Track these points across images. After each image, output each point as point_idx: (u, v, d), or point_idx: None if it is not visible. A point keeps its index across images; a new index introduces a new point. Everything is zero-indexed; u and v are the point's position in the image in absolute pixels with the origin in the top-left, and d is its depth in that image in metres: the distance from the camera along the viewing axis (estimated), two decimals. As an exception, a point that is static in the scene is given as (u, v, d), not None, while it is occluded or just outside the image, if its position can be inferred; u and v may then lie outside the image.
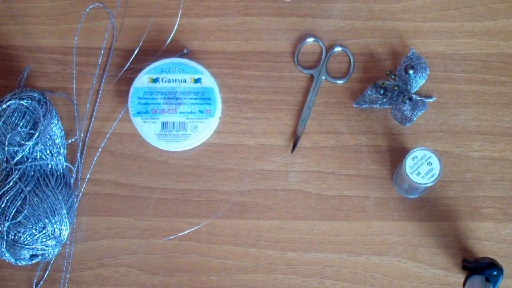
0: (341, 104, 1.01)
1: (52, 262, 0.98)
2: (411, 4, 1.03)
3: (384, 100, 0.99)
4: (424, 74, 0.98)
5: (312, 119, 1.01)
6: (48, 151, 0.96)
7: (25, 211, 0.92)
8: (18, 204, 0.92)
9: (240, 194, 1.00)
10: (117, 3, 1.04)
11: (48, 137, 0.96)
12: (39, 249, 0.93)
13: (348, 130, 1.00)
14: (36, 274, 0.98)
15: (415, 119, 0.96)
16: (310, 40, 1.02)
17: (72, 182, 0.99)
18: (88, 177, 1.00)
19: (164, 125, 0.98)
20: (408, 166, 0.91)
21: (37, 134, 0.95)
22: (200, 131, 0.98)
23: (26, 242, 0.92)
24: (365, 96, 1.00)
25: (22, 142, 0.94)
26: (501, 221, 0.98)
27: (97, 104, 1.02)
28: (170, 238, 0.99)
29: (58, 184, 0.95)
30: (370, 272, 0.98)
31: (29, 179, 0.94)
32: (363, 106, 1.00)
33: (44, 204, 0.93)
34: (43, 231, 0.92)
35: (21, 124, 0.94)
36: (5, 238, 0.92)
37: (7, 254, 0.93)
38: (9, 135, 0.94)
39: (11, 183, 0.93)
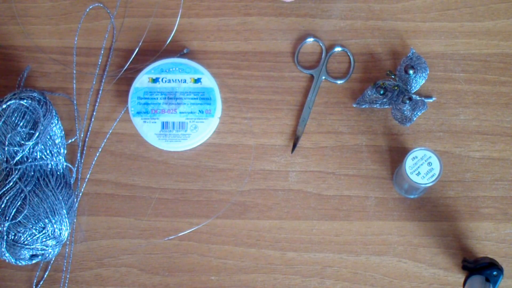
0: (341, 104, 1.01)
1: (52, 262, 0.98)
2: (411, 4, 1.03)
3: (384, 100, 0.99)
4: (424, 74, 0.98)
5: (312, 119, 1.01)
6: (48, 151, 0.96)
7: (25, 211, 0.92)
8: (18, 204, 0.92)
9: (240, 194, 1.00)
10: (117, 3, 1.04)
11: (48, 137, 0.96)
12: (39, 249, 0.93)
13: (348, 130, 1.00)
14: (36, 274, 0.98)
15: (415, 119, 0.96)
16: (310, 40, 1.02)
17: (72, 182, 0.99)
18: (88, 177, 1.00)
19: (164, 125, 0.98)
20: (408, 166, 0.91)
21: (37, 134, 0.95)
22: (200, 131, 0.98)
23: (26, 242, 0.92)
24: (365, 96, 1.00)
25: (22, 142, 0.94)
26: (501, 221, 0.98)
27: (97, 104, 1.02)
28: (170, 238, 0.99)
29: (58, 184, 0.95)
30: (370, 272, 0.98)
31: (29, 179, 0.94)
32: (363, 106, 1.00)
33: (44, 204, 0.93)
34: (43, 231, 0.92)
35: (21, 124, 0.94)
36: (5, 238, 0.92)
37: (7, 254, 0.93)
38: (9, 135, 0.94)
39: (11, 183, 0.93)
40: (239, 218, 0.99)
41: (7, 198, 0.92)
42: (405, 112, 0.97)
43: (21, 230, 0.92)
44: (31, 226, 0.92)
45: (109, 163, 1.00)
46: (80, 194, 1.00)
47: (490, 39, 1.02)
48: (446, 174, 0.99)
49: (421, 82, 0.98)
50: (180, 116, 0.98)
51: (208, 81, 0.99)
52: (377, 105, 1.00)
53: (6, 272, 0.98)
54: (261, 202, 0.99)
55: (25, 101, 0.95)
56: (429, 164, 0.91)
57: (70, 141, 1.01)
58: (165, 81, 0.98)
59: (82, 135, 1.01)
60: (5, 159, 0.94)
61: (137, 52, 1.03)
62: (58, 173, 0.97)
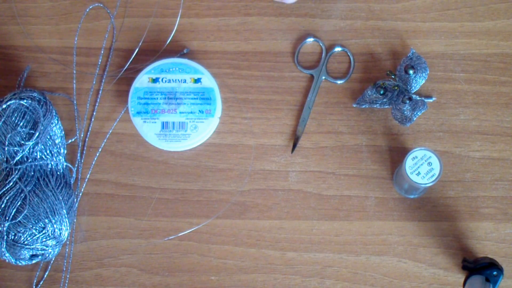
0: (341, 104, 1.01)
1: (52, 262, 0.98)
2: (411, 4, 1.03)
3: (384, 100, 0.99)
4: (424, 74, 0.98)
5: (312, 119, 1.01)
6: (48, 151, 0.96)
7: (25, 211, 0.92)
8: (18, 204, 0.92)
9: (240, 194, 1.00)
10: (117, 3, 1.04)
11: (48, 137, 0.96)
12: (39, 249, 0.93)
13: (348, 130, 1.00)
14: (36, 274, 0.98)
15: (415, 119, 0.96)
16: (310, 40, 1.02)
17: (72, 182, 0.99)
18: (88, 177, 1.00)
19: (164, 125, 0.98)
20: (408, 166, 0.91)
21: (37, 134, 0.95)
22: (200, 131, 0.98)
23: (26, 242, 0.92)
24: (365, 96, 1.00)
25: (22, 142, 0.94)
26: (501, 221, 0.98)
27: (97, 104, 1.02)
28: (170, 238, 0.99)
29: (58, 184, 0.95)
30: (370, 272, 0.98)
31: (29, 179, 0.94)
32: (363, 106, 1.00)
33: (44, 204, 0.93)
34: (43, 231, 0.92)
35: (21, 124, 0.94)
36: (5, 238, 0.92)
37: (7, 254, 0.93)
38: (9, 135, 0.94)
39: (11, 183, 0.93)
40: (239, 218, 0.99)
41: (7, 198, 0.92)
42: (405, 112, 0.97)
43: (21, 230, 0.92)
44: (31, 226, 0.92)
45: (109, 163, 1.00)
46: (80, 194, 1.00)
47: (490, 39, 1.02)
48: (446, 174, 0.99)
49: (421, 82, 0.98)
50: (180, 116, 0.98)
51: (208, 81, 0.99)
52: (377, 105, 1.00)
53: (6, 272, 0.98)
54: (261, 202, 0.99)
55: (25, 101, 0.95)
56: (429, 164, 0.91)
57: (70, 141, 1.01)
58: (165, 81, 0.98)
59: (82, 135, 1.01)
60: (5, 159, 0.94)
61: (137, 52, 1.03)
62: (58, 173, 0.97)
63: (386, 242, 0.98)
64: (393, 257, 0.98)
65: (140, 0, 1.04)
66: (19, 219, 0.92)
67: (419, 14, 1.03)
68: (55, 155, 0.97)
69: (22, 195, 0.93)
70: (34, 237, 0.92)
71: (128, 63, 1.02)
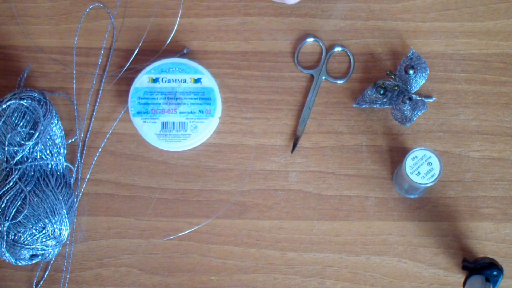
0: (341, 104, 1.01)
1: (52, 262, 0.98)
2: (411, 4, 1.03)
3: (384, 100, 0.99)
4: (424, 74, 0.98)
5: (312, 119, 1.01)
6: (48, 151, 0.96)
7: (25, 211, 0.92)
8: (18, 204, 0.92)
9: (240, 194, 1.00)
10: (117, 3, 1.04)
11: (48, 137, 0.96)
12: (39, 249, 0.93)
13: (348, 130, 1.00)
14: (36, 274, 0.98)
15: (415, 119, 0.96)
16: (310, 40, 1.02)
17: (72, 182, 0.99)
18: (88, 177, 1.00)
19: (164, 125, 0.98)
20: (408, 166, 0.91)
21: (37, 134, 0.94)
22: (200, 131, 0.98)
23: (26, 242, 0.92)
24: (365, 96, 1.00)
25: (22, 142, 0.94)
26: (501, 221, 0.98)
27: (97, 104, 1.02)
28: (170, 238, 0.99)
29: (58, 184, 0.95)
30: (370, 272, 0.98)
31: (29, 179, 0.94)
32: (363, 106, 1.00)
33: (44, 204, 0.93)
34: (43, 231, 0.92)
35: (21, 124, 0.94)
36: (5, 238, 0.92)
37: (7, 254, 0.93)
38: (9, 135, 0.94)
39: (11, 183, 0.93)
40: (239, 218, 0.99)
41: (7, 198, 0.92)
42: (405, 112, 0.97)
43: (21, 230, 0.92)
44: (31, 226, 0.92)
45: (109, 163, 1.00)
46: (80, 194, 1.00)
47: (490, 39, 1.02)
48: (446, 174, 0.99)
49: (421, 82, 0.98)
50: (180, 116, 0.98)
51: (208, 81, 0.99)
52: (377, 105, 1.00)
53: (6, 272, 0.98)
54: (261, 202, 0.99)
55: (25, 101, 0.95)
56: (429, 164, 0.91)
57: (70, 141, 1.01)
58: (165, 81, 0.98)
59: (82, 135, 1.01)
60: (5, 159, 0.94)
61: (137, 52, 1.03)
62: (58, 173, 0.97)
63: (386, 242, 0.98)
64: (393, 257, 0.98)
65: (140, 0, 1.04)
66: (19, 219, 0.92)
67: (419, 14, 1.03)
68: (55, 155, 0.97)
69: (22, 195, 0.93)
70: (34, 237, 0.92)
71: (128, 63, 1.02)
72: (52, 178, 0.95)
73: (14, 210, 0.92)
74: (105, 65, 1.03)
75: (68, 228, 0.95)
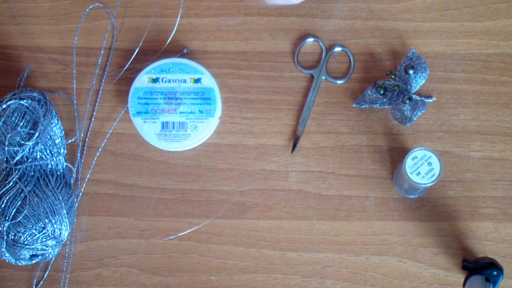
0: (341, 104, 1.01)
1: (52, 262, 0.98)
2: (411, 4, 1.03)
3: (384, 100, 0.99)
4: (424, 74, 0.98)
5: (312, 119, 1.01)
6: (48, 151, 0.96)
7: (25, 211, 0.92)
8: (18, 204, 0.92)
9: (240, 194, 1.00)
10: (117, 3, 1.04)
11: (48, 137, 0.96)
12: (39, 249, 0.93)
13: (348, 130, 1.00)
14: (36, 274, 0.98)
15: (415, 119, 0.96)
16: (310, 40, 1.02)
17: (72, 182, 0.99)
18: (88, 177, 1.00)
19: (164, 125, 0.98)
20: (408, 166, 0.91)
21: (37, 134, 0.95)
22: (200, 131, 0.98)
23: (26, 242, 0.92)
24: (365, 96, 1.00)
25: (22, 142, 0.94)
26: (501, 221, 0.98)
27: (97, 104, 1.02)
28: (170, 238, 0.99)
29: (58, 184, 0.95)
30: (370, 272, 0.98)
31: (29, 179, 0.94)
32: (363, 106, 1.00)
33: (44, 204, 0.93)
34: (43, 231, 0.92)
35: (21, 124, 0.94)
36: (5, 238, 0.92)
37: (7, 254, 0.93)
38: (9, 135, 0.94)
39: (11, 183, 0.93)
40: (239, 218, 0.99)
41: (7, 198, 0.92)
42: (405, 112, 0.97)
43: (21, 230, 0.92)
44: (31, 226, 0.92)
45: (109, 163, 1.00)
46: (80, 194, 1.00)
47: (490, 39, 1.02)
48: (446, 174, 0.99)
49: (421, 82, 0.98)
50: (180, 116, 0.98)
51: (208, 81, 0.99)
52: (377, 105, 1.00)
53: (6, 272, 0.98)
54: (261, 202, 0.99)
55: (25, 101, 0.95)
56: (429, 164, 0.91)
57: (70, 141, 1.01)
58: (165, 81, 0.98)
59: (82, 135, 1.01)
60: (5, 159, 0.94)
61: (137, 52, 1.03)
62: (58, 173, 0.97)
63: (386, 242, 0.98)
64: (393, 257, 0.98)
65: (140, 0, 1.04)
66: (19, 219, 0.92)
67: (419, 14, 1.03)
68: (55, 155, 0.97)
69: (22, 195, 0.93)
70: (34, 237, 0.92)
71: (128, 63, 1.02)
72: (52, 178, 0.95)
73: (14, 210, 0.92)
74: (105, 65, 1.03)
75: (68, 228, 0.95)
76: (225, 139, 1.01)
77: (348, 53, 1.02)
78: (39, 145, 0.95)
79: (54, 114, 0.97)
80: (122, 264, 0.98)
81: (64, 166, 0.98)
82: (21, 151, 0.94)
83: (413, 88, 0.98)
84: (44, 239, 0.93)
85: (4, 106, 0.94)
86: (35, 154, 0.95)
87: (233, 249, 0.99)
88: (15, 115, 0.94)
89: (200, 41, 1.03)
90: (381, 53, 1.02)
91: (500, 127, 1.00)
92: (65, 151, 0.99)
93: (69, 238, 0.98)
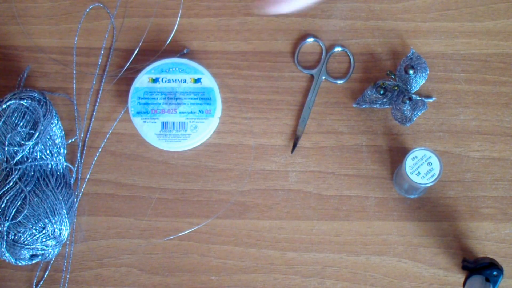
0: (341, 104, 1.01)
1: (52, 262, 0.98)
2: (411, 4, 1.03)
3: (384, 100, 0.99)
4: (424, 74, 0.98)
5: (312, 119, 1.01)
6: (48, 151, 0.96)
7: (25, 211, 0.92)
8: (18, 204, 0.92)
9: (240, 194, 1.00)
10: (117, 3, 1.04)
11: (48, 137, 0.96)
12: (39, 249, 0.93)
13: (348, 130, 1.00)
14: (36, 274, 0.98)
15: (415, 119, 0.96)
16: (310, 40, 1.02)
17: (72, 182, 0.99)
18: (88, 177, 1.00)
19: (164, 125, 0.98)
20: (408, 166, 0.91)
21: (37, 134, 0.95)
22: (200, 131, 0.98)
23: (26, 242, 0.92)
24: (365, 96, 1.00)
25: (22, 142, 0.94)
26: (501, 221, 0.98)
27: (97, 104, 1.02)
28: (170, 238, 0.99)
29: (58, 184, 0.95)
30: (370, 272, 0.98)
31: (29, 179, 0.94)
32: (363, 106, 1.00)
33: (44, 204, 0.93)
34: (43, 231, 0.92)
35: (21, 124, 0.94)
36: (5, 238, 0.92)
37: (7, 254, 0.93)
38: (9, 135, 0.94)
39: (11, 183, 0.93)
40: (239, 218, 0.99)
41: (7, 198, 0.92)
42: (405, 112, 0.97)
43: (21, 230, 0.92)
44: (31, 226, 0.92)
45: (109, 163, 1.00)
46: (80, 194, 1.00)
47: (490, 39, 1.02)
48: (446, 174, 0.99)
49: (421, 82, 0.98)
50: (180, 116, 0.98)
51: (208, 81, 0.99)
52: (377, 105, 1.00)
53: (6, 272, 0.98)
54: (261, 202, 0.99)
55: (25, 101, 0.95)
56: (429, 164, 0.91)
57: (70, 141, 1.01)
58: (165, 81, 0.98)
59: (82, 135, 1.01)
60: (5, 159, 0.94)
61: (137, 52, 1.03)
62: (58, 173, 0.97)
63: (386, 242, 0.98)
64: (393, 257, 0.98)
65: (140, 0, 1.04)
66: (19, 219, 0.92)
67: (419, 14, 1.03)
68: (55, 155, 0.97)
69: (22, 195, 0.93)
70: (34, 237, 0.92)
71: (128, 63, 1.02)
72: (52, 178, 0.95)
73: (14, 210, 0.92)
74: (105, 65, 1.03)
75: (68, 228, 0.95)
76: (225, 139, 1.01)
77: (348, 53, 1.02)
78: (39, 145, 0.95)
79: (54, 114, 0.97)
80: (122, 264, 0.98)
81: (64, 166, 0.98)
82: (21, 151, 0.94)
83: (413, 88, 0.98)
84: (44, 239, 0.93)
85: (4, 106, 0.94)
86: (35, 154, 0.95)
87: (233, 249, 0.99)
88: (15, 115, 0.94)
89: (200, 41, 1.03)
90: (381, 53, 1.02)
91: (500, 127, 1.00)
92: (65, 151, 0.99)
93: (69, 238, 0.98)
